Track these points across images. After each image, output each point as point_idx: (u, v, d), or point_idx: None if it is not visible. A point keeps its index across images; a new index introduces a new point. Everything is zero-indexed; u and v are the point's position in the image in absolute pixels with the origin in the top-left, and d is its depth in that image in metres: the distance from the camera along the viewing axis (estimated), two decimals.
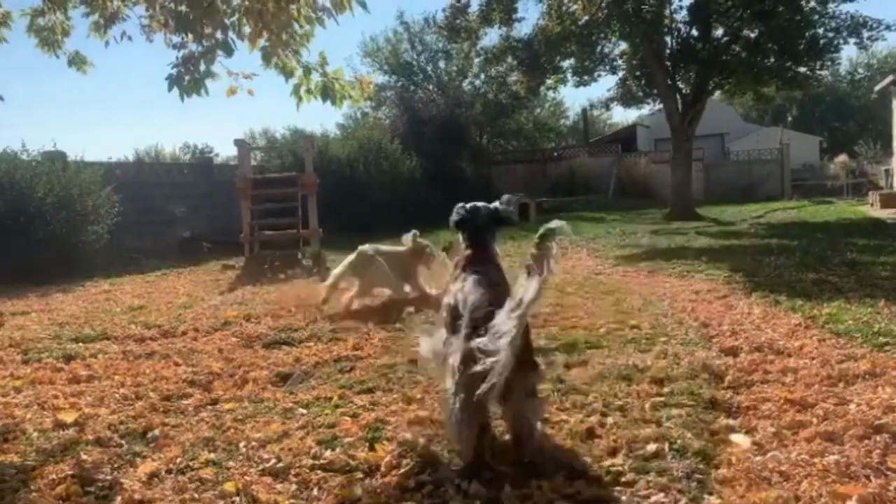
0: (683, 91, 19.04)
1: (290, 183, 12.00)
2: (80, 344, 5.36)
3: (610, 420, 3.26)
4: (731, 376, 3.87)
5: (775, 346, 4.48)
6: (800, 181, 30.55)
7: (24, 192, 10.61)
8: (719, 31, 18.27)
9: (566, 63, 19.72)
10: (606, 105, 22.76)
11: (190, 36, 4.73)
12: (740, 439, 3.02)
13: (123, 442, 3.25)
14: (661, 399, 3.51)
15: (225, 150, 59.92)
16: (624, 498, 2.54)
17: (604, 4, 18.06)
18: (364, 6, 4.50)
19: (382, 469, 2.83)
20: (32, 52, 5.74)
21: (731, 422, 3.21)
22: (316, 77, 4.79)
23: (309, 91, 4.84)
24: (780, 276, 7.51)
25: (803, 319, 5.28)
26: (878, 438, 2.91)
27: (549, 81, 20.62)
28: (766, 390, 3.64)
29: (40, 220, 10.46)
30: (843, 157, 36.37)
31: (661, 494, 2.54)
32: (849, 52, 56.63)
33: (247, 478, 2.80)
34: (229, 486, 2.72)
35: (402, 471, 2.80)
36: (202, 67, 4.76)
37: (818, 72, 18.16)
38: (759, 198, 25.09)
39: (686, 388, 3.65)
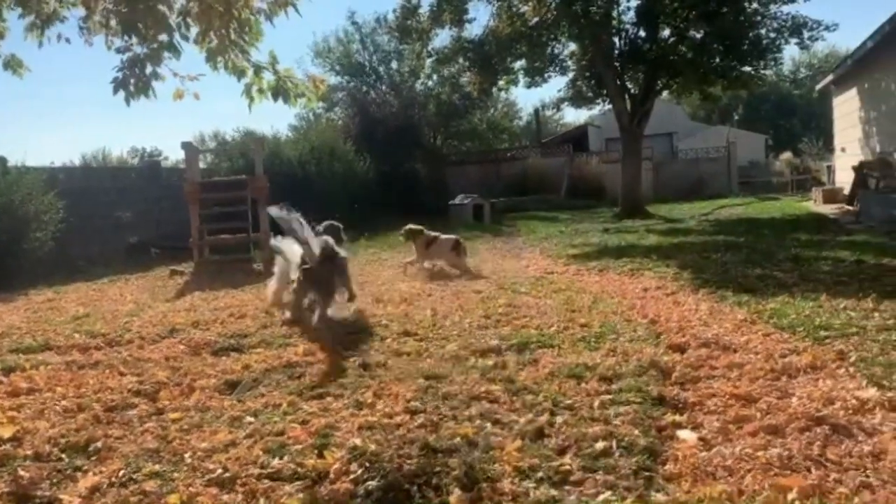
0: (632, 91, 19.35)
1: (240, 186, 11.83)
2: (21, 355, 5.18)
3: (559, 419, 3.28)
4: (679, 372, 3.93)
5: (722, 342, 4.56)
6: (746, 178, 31.34)
7: None
8: (666, 32, 18.62)
9: (517, 64, 19.91)
10: (557, 106, 23.03)
11: (134, 38, 4.63)
12: (687, 435, 3.07)
13: (64, 456, 3.15)
14: (610, 397, 3.55)
15: (174, 154, 58.81)
16: (572, 497, 2.56)
17: (553, 6, 18.26)
18: (297, 9, 4.47)
19: (331, 476, 2.79)
20: None
21: (677, 418, 3.26)
22: (268, 76, 4.74)
23: (261, 91, 4.79)
24: (726, 273, 7.67)
25: (749, 315, 5.40)
26: (818, 430, 2.99)
27: (500, 82, 20.77)
28: (712, 386, 3.71)
29: None
30: (787, 155, 37.43)
31: (609, 492, 2.56)
32: (791, 52, 58.27)
33: (192, 489, 2.74)
34: (173, 499, 2.66)
35: (351, 477, 2.77)
36: (148, 70, 4.67)
37: (762, 71, 18.66)
38: (707, 195, 25.61)
39: (634, 386, 3.69)
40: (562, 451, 2.94)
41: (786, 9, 17.39)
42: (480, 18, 40.98)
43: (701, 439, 3.02)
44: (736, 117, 52.06)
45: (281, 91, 4.76)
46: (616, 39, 18.99)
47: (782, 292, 6.23)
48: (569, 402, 3.51)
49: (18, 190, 11.04)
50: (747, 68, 18.05)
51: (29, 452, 3.17)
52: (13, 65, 5.70)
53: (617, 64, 18.94)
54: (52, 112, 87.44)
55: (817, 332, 4.70)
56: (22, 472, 2.93)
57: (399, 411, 3.49)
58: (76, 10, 5.24)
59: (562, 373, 4.01)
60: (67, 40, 5.38)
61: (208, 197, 11.60)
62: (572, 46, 20.07)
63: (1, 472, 2.96)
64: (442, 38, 20.40)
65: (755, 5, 17.28)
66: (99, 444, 3.25)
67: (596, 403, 3.45)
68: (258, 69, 4.74)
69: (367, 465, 2.86)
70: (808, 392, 3.48)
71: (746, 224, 14.22)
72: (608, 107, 21.02)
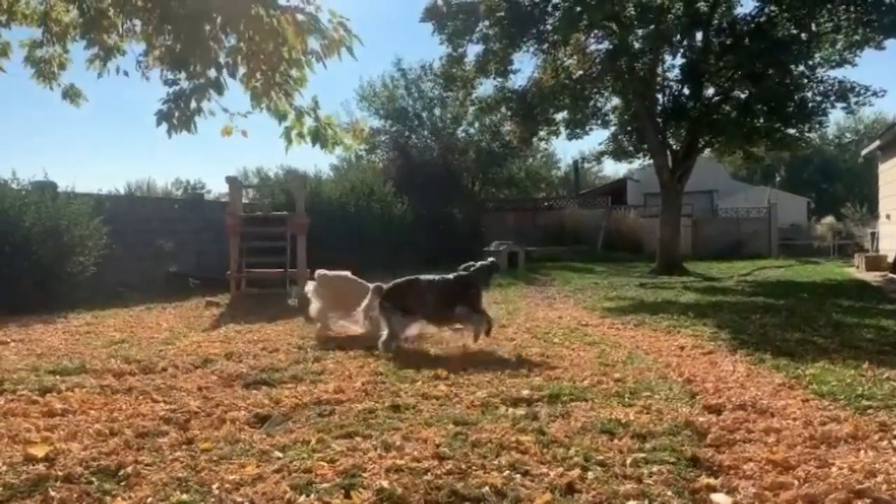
0: (674, 147, 19.30)
1: (281, 222, 12.01)
2: (58, 377, 5.27)
3: (591, 475, 3.22)
4: (714, 434, 3.84)
5: (759, 405, 4.46)
6: (787, 240, 30.90)
7: (12, 220, 10.54)
8: (710, 91, 18.61)
9: (559, 116, 20.00)
10: (598, 158, 23.06)
11: (183, 73, 4.77)
12: (721, 499, 2.99)
13: (94, 479, 3.17)
14: (643, 455, 3.48)
15: (217, 187, 60.09)
16: None
17: (598, 60, 18.42)
18: (351, 52, 4.55)
19: None
20: (28, 82, 5.79)
21: (712, 481, 3.18)
22: (308, 121, 4.82)
23: (301, 135, 4.86)
24: (765, 335, 7.53)
25: (787, 379, 5.28)
26: (858, 503, 2.89)
27: (541, 133, 20.87)
28: (748, 450, 3.61)
29: (26, 249, 10.38)
30: (830, 219, 36.88)
31: None
32: (837, 116, 57.75)
33: None
34: None
35: None
36: (192, 105, 4.80)
37: (807, 134, 18.48)
38: (746, 255, 25.28)
39: (668, 445, 3.62)
40: None
41: (833, 73, 17.32)
42: (525, 69, 41.44)
43: None
44: (778, 178, 51.58)
45: (320, 137, 4.83)
46: (659, 96, 19.03)
47: (822, 358, 6.09)
48: (601, 457, 3.45)
49: (66, 215, 11.34)
50: (791, 130, 17.91)
51: (61, 474, 3.20)
52: (72, 94, 5.94)
53: (659, 120, 18.95)
54: (103, 140, 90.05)
55: (859, 401, 4.56)
56: (53, 493, 2.96)
57: (427, 455, 3.46)
58: (137, 44, 5.46)
59: (594, 427, 3.95)
60: (126, 73, 5.60)
61: (249, 231, 11.78)
62: (615, 101, 20.15)
63: (33, 493, 2.99)
64: (485, 87, 20.69)
65: (801, 68, 17.22)
66: (129, 470, 3.26)
67: (629, 461, 3.39)
68: (300, 114, 4.82)
69: None
70: (848, 463, 3.38)
71: (786, 287, 13.98)
72: (649, 161, 20.98)
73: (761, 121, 17.76)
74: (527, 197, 34.65)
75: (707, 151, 21.30)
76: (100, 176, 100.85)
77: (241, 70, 4.74)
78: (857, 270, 18.33)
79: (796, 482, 3.15)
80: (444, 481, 3.13)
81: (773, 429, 3.95)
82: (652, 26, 17.24)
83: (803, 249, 29.76)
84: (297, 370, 5.64)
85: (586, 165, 45.89)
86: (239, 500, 2.93)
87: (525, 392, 4.79)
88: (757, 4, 16.89)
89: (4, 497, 2.94)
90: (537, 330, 8.01)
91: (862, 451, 3.56)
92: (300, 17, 4.49)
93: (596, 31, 18.26)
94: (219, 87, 4.70)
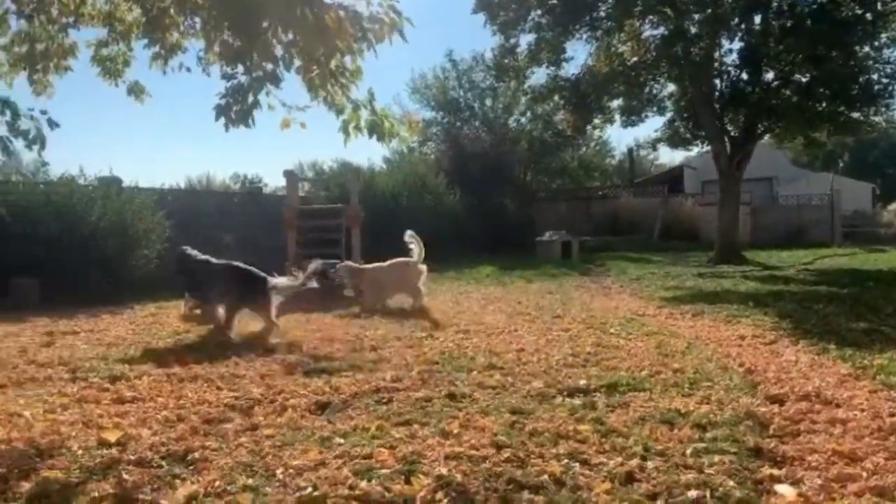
0: (732, 134, 18.87)
1: (335, 214, 12.17)
2: (126, 365, 5.46)
3: (650, 464, 3.20)
4: (777, 425, 3.78)
5: (823, 396, 4.36)
6: (851, 228, 29.92)
7: (80, 215, 10.94)
8: (770, 75, 18.12)
9: (614, 103, 19.77)
10: (653, 146, 22.73)
11: (240, 67, 4.87)
12: (785, 490, 2.94)
13: (164, 463, 3.28)
14: (703, 445, 3.44)
15: (273, 181, 61.16)
16: None
17: (653, 46, 18.11)
18: (402, 35, 4.56)
19: (418, 502, 2.82)
20: (93, 80, 5.99)
21: (775, 472, 3.13)
22: (365, 114, 4.87)
23: (358, 128, 4.91)
24: (828, 324, 7.34)
25: (853, 369, 5.14)
26: None
27: (595, 121, 20.64)
28: (813, 441, 3.55)
29: (93, 242, 10.76)
30: None
31: None
32: None
33: None
34: None
35: None
36: (250, 99, 4.89)
37: (872, 117, 17.87)
38: (807, 244, 24.61)
39: (729, 435, 3.57)
40: (653, 497, 2.87)
41: None
42: (578, 57, 40.92)
43: (801, 496, 2.89)
44: (841, 164, 49.99)
45: (376, 129, 4.87)
46: (717, 81, 18.60)
47: (890, 348, 5.90)
48: (660, 447, 3.42)
49: (130, 209, 11.70)
50: (856, 114, 17.34)
51: (132, 458, 3.32)
52: (136, 91, 6.12)
53: (717, 106, 18.54)
54: (164, 136, 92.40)
55: None
56: (126, 476, 3.08)
57: (485, 444, 3.48)
58: (196, 41, 5.60)
59: (653, 417, 3.92)
60: (188, 69, 5.74)
61: (305, 223, 11.97)
62: (671, 87, 19.80)
63: (107, 475, 3.11)
64: (538, 76, 20.53)
65: (867, 49, 16.64)
66: (196, 455, 3.37)
67: (689, 451, 3.35)
68: (356, 107, 4.87)
69: (454, 494, 2.87)
70: None
71: (850, 275, 13.55)
72: (706, 149, 20.56)
73: (824, 105, 17.23)
74: (580, 186, 34.24)
75: (766, 137, 20.78)
76: (162, 171, 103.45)
77: (297, 63, 4.81)
78: None
79: (864, 474, 3.08)
80: (502, 469, 3.15)
81: (838, 420, 3.86)
82: (709, 10, 16.88)
83: (868, 237, 28.77)
84: (354, 359, 5.73)
85: (641, 153, 45.16)
86: (302, 484, 3.00)
87: (582, 382, 4.77)
88: None
89: (81, 479, 3.07)
90: (593, 320, 7.95)
91: None
92: (342, 13, 4.53)
93: (651, 17, 17.98)
94: (276, 80, 4.78)
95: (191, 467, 3.25)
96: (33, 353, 5.98)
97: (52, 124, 3.68)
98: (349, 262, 9.59)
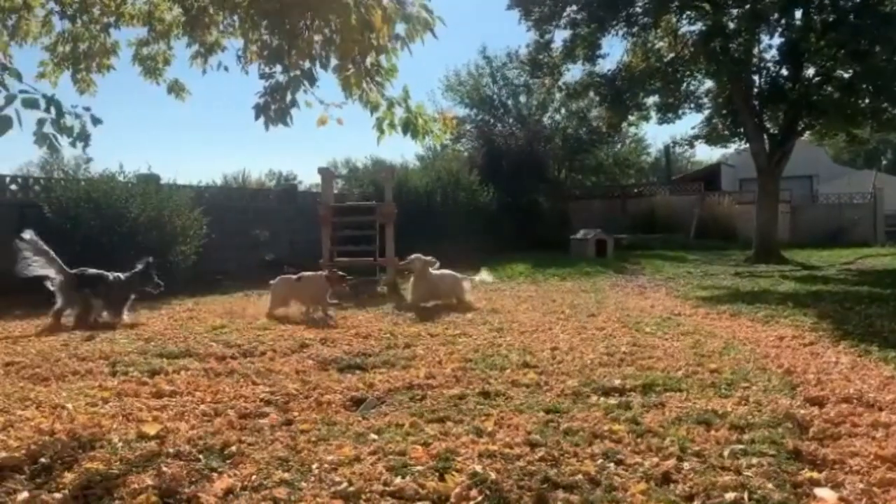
0: (771, 131, 18.56)
1: (370, 211, 12.22)
2: (165, 360, 5.55)
3: (686, 465, 3.16)
4: (817, 427, 3.70)
5: (865, 399, 4.27)
6: (894, 227, 29.21)
7: (120, 211, 11.14)
8: (810, 71, 17.78)
9: (650, 100, 19.58)
10: (690, 143, 22.44)
11: (279, 66, 4.91)
12: (826, 494, 2.88)
13: (201, 457, 3.33)
14: (741, 447, 3.39)
15: (308, 178, 61.71)
16: None
17: (690, 42, 17.88)
18: (433, 33, 4.55)
19: (452, 500, 2.82)
20: (134, 79, 6.11)
21: (815, 475, 3.07)
22: (399, 112, 4.88)
23: (392, 125, 4.92)
24: (871, 326, 7.17)
25: None
26: None
27: (631, 118, 20.45)
28: (854, 444, 3.47)
29: (132, 238, 10.94)
30: None
31: None
32: None
33: (318, 500, 2.84)
34: None
35: (471, 503, 2.78)
36: (288, 97, 4.93)
37: None
38: (848, 243, 24.10)
39: (767, 437, 3.51)
40: (689, 498, 2.83)
41: None
42: (614, 54, 40.59)
43: (842, 500, 2.83)
44: (884, 162, 48.80)
45: (410, 126, 4.87)
46: (756, 77, 18.31)
47: None
48: (697, 448, 3.38)
49: (168, 206, 11.89)
50: None
51: (171, 451, 3.37)
52: (176, 89, 6.22)
53: (756, 103, 18.24)
54: (201, 134, 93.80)
55: None
56: (165, 469, 3.13)
57: (519, 442, 3.48)
58: (235, 40, 5.67)
59: (690, 418, 3.87)
60: (226, 68, 5.80)
61: (339, 220, 12.05)
62: (709, 83, 19.55)
63: (147, 468, 3.17)
64: (573, 72, 20.41)
65: None
66: (233, 449, 3.41)
67: (726, 452, 3.31)
68: (391, 104, 4.88)
69: (488, 492, 2.87)
70: None
71: (894, 276, 13.24)
72: (744, 146, 20.25)
73: (866, 101, 16.86)
74: (615, 184, 33.96)
75: (807, 134, 20.39)
76: (199, 168, 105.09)
77: (334, 61, 4.83)
78: None
79: None
80: (536, 468, 3.14)
81: (881, 423, 3.77)
82: (748, 5, 16.59)
83: None
84: (388, 355, 5.75)
85: (678, 150, 44.64)
86: (337, 479, 3.02)
87: (616, 381, 4.73)
88: None
89: (122, 470, 3.13)
90: (628, 319, 7.88)
91: None
92: (387, 2, 4.55)
93: (688, 12, 17.77)
94: (311, 78, 4.81)
95: (228, 461, 3.29)
96: (75, 347, 6.11)
97: (96, 121, 3.74)
98: (420, 255, 9.67)
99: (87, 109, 3.72)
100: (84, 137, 3.74)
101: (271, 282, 8.91)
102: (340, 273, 9.03)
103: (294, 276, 8.84)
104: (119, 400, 4.36)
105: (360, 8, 4.50)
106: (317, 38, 4.78)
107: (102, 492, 2.93)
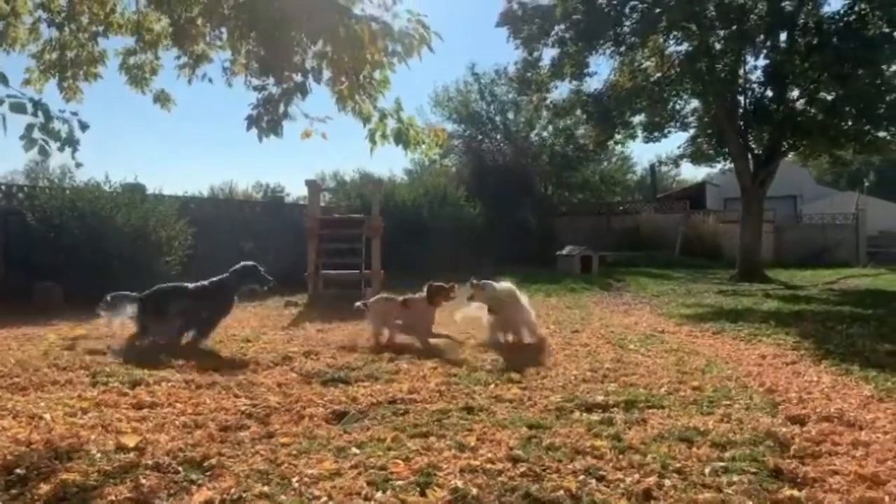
0: (756, 151, 18.76)
1: (357, 224, 12.22)
2: (146, 371, 5.49)
3: (668, 482, 3.16)
4: (798, 445, 3.72)
5: (846, 418, 4.30)
6: (877, 248, 29.52)
7: (105, 220, 11.08)
8: (795, 93, 18.01)
9: (636, 118, 19.72)
10: (676, 161, 22.66)
11: (271, 78, 4.92)
12: None
13: (181, 469, 3.30)
14: (722, 464, 3.40)
15: (295, 190, 61.62)
16: None
17: (677, 62, 18.07)
18: (430, 48, 4.59)
19: None
20: (120, 88, 6.10)
21: (796, 493, 3.08)
22: (391, 123, 4.90)
23: (384, 136, 4.94)
24: (852, 345, 7.23)
25: (876, 391, 5.06)
26: None
27: (618, 136, 20.59)
28: (834, 462, 3.49)
29: (117, 247, 10.87)
30: None
31: None
32: None
33: None
34: None
35: None
36: (280, 109, 4.94)
37: None
38: (831, 263, 24.32)
39: (748, 455, 3.53)
40: None
41: None
42: (601, 72, 40.86)
43: None
44: (867, 183, 49.31)
45: (402, 137, 4.90)
46: (741, 98, 18.52)
47: None
48: (678, 465, 3.38)
49: (154, 216, 11.83)
50: (883, 133, 17.16)
51: (150, 462, 3.34)
52: (162, 99, 6.22)
53: (741, 123, 18.44)
54: (188, 145, 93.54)
55: None
56: (143, 481, 3.09)
57: (502, 457, 3.47)
58: (223, 52, 5.69)
59: (671, 435, 3.87)
60: (210, 80, 5.82)
61: (326, 233, 12.03)
62: (695, 103, 19.76)
63: (125, 479, 3.13)
64: (561, 90, 20.55)
65: (894, 68, 16.47)
66: (213, 461, 3.38)
67: (707, 470, 3.31)
68: (383, 115, 4.91)
69: None
70: None
71: (875, 296, 13.37)
72: (729, 166, 20.45)
73: (849, 123, 17.09)
74: (601, 201, 34.15)
75: (791, 155, 20.62)
76: (185, 179, 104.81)
77: (327, 74, 4.86)
78: None
79: (887, 498, 3.03)
80: (518, 483, 3.13)
81: (861, 442, 3.80)
82: (734, 27, 16.82)
83: (895, 258, 28.38)
84: (372, 369, 5.73)
85: (663, 169, 44.95)
86: (317, 494, 3.00)
87: (599, 398, 4.74)
88: (847, 2, 16.28)
89: (99, 482, 3.09)
90: (612, 336, 7.90)
91: None
92: (375, 25, 4.58)
93: (675, 33, 17.94)
94: (303, 91, 4.83)
95: (207, 473, 3.26)
96: (55, 357, 6.04)
97: (83, 126, 3.73)
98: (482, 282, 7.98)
99: (75, 114, 3.71)
100: (72, 142, 3.73)
101: (358, 304, 7.76)
102: (440, 284, 7.49)
103: (399, 299, 7.57)
104: (98, 410, 4.31)
105: (350, 20, 4.53)
106: (309, 51, 4.81)
107: (78, 503, 2.89)
